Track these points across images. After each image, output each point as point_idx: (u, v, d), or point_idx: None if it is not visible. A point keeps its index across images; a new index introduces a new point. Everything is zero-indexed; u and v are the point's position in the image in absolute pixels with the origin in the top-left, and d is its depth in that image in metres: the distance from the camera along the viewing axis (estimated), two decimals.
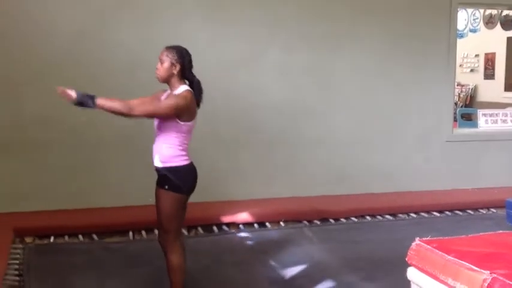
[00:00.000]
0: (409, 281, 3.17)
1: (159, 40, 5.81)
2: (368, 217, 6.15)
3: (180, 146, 3.67)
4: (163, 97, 3.76)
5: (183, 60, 3.68)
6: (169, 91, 3.75)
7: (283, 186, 6.42)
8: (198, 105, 3.77)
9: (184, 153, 3.69)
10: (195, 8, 6.08)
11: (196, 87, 3.74)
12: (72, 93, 3.49)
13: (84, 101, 3.49)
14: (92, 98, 3.51)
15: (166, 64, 3.65)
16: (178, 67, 3.66)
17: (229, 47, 6.21)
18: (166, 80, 3.70)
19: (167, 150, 3.66)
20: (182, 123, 3.63)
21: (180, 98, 3.61)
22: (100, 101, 3.51)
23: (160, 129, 3.69)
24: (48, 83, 5.68)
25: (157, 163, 3.71)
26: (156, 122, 3.71)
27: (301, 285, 4.36)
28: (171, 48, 3.71)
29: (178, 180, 3.66)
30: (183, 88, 3.68)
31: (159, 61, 3.68)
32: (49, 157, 5.74)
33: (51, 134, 5.73)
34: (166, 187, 3.66)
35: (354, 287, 4.31)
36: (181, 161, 3.68)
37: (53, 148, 5.74)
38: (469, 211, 6.45)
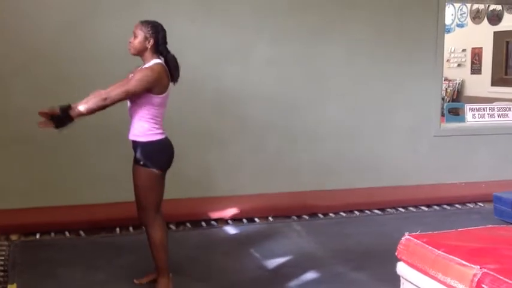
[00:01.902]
0: (398, 274, 3.16)
1: None
2: (357, 212, 6.15)
3: (153, 119, 3.66)
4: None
5: (157, 35, 3.69)
6: (140, 67, 3.74)
7: (273, 180, 6.39)
8: (174, 80, 3.76)
9: (157, 126, 3.68)
10: (183, 1, 6.02)
11: (171, 62, 3.73)
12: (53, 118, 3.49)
13: (62, 121, 3.53)
14: (67, 112, 3.49)
15: (140, 37, 3.67)
16: (151, 41, 3.67)
17: (218, 40, 6.15)
18: (139, 53, 3.71)
19: (141, 124, 3.66)
20: (153, 96, 3.61)
21: (147, 70, 3.61)
22: (76, 112, 3.51)
23: (132, 102, 3.68)
24: (34, 76, 5.64)
25: (132, 136, 3.72)
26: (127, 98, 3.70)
27: (289, 274, 4.36)
28: (145, 23, 3.72)
29: (153, 155, 3.67)
30: (154, 61, 3.67)
31: (132, 34, 3.69)
32: (34, 153, 5.66)
33: (36, 130, 5.63)
34: (141, 163, 3.67)
35: (344, 277, 4.32)
36: (155, 136, 3.68)
37: (39, 143, 5.66)
38: (457, 205, 6.47)
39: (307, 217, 5.95)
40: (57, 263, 4.55)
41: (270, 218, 5.85)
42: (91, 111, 3.55)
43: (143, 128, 3.66)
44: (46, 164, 5.71)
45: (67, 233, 5.29)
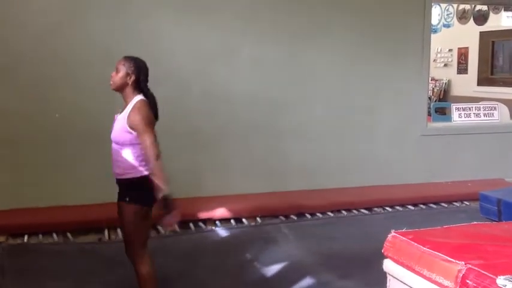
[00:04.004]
0: (385, 274, 3.18)
1: (133, 32, 5.84)
2: (344, 211, 6.18)
3: (138, 157, 3.57)
4: (120, 115, 3.64)
5: (139, 72, 3.62)
6: (123, 108, 3.66)
7: (260, 180, 6.41)
8: (155, 118, 3.69)
9: (143, 163, 3.58)
10: (170, 1, 6.02)
11: (151, 100, 3.66)
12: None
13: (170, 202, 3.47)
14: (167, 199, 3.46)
15: (122, 73, 3.60)
16: (133, 77, 3.60)
17: (204, 40, 6.17)
18: (120, 89, 3.63)
19: (127, 162, 3.58)
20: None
21: (141, 110, 3.54)
22: (162, 183, 3.45)
23: (117, 140, 3.61)
24: (18, 78, 5.61)
25: (116, 175, 3.65)
26: (112, 133, 3.63)
27: (277, 283, 4.36)
28: (129, 58, 3.65)
29: (138, 192, 3.58)
30: (137, 98, 3.60)
31: (115, 69, 3.63)
32: (20, 154, 5.64)
33: (22, 131, 5.64)
34: (127, 199, 3.59)
35: (331, 286, 4.32)
36: (140, 173, 3.58)
37: (25, 144, 5.64)
38: (443, 204, 6.52)
39: (294, 217, 5.96)
40: (47, 274, 4.48)
41: (258, 219, 5.86)
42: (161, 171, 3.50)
43: (131, 165, 3.58)
44: (33, 164, 5.69)
45: (55, 235, 5.27)
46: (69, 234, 5.30)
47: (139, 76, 3.63)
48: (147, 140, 3.49)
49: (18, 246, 5.08)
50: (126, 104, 3.63)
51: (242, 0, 6.30)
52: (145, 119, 3.53)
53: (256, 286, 4.40)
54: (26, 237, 5.20)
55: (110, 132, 3.67)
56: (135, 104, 3.58)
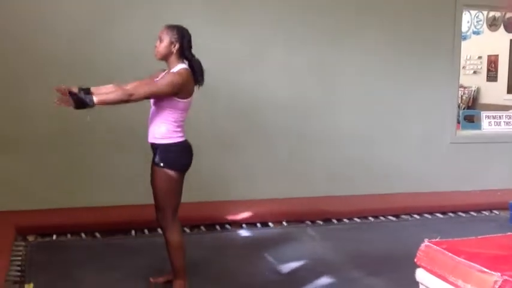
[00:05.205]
0: (415, 279, 3.15)
1: None
2: (371, 218, 6.13)
3: (175, 122, 3.68)
4: (160, 76, 3.76)
5: (183, 40, 3.70)
6: (166, 71, 3.75)
7: (286, 185, 6.39)
8: (198, 84, 3.77)
9: (179, 129, 3.71)
10: (198, 7, 6.04)
11: (196, 66, 3.74)
12: (71, 96, 3.48)
13: (84, 101, 3.49)
14: (89, 94, 3.50)
15: (166, 42, 3.68)
16: (177, 46, 3.68)
17: (233, 46, 6.18)
18: (165, 58, 3.72)
19: (162, 127, 3.68)
20: (179, 100, 3.64)
21: (176, 75, 3.63)
22: (99, 98, 3.52)
23: (156, 105, 3.69)
24: (50, 80, 5.67)
25: (152, 139, 3.73)
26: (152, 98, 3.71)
27: (302, 278, 4.34)
28: (171, 27, 3.73)
29: (173, 157, 3.68)
30: (180, 66, 3.69)
31: (158, 39, 3.70)
32: (50, 155, 5.69)
33: (52, 131, 5.70)
34: (162, 164, 3.67)
35: (359, 282, 4.30)
36: (176, 138, 3.69)
37: (54, 145, 5.70)
38: (472, 213, 6.44)
39: (321, 222, 5.94)
40: (73, 263, 4.59)
41: (284, 223, 5.85)
42: (112, 103, 3.58)
43: (165, 130, 3.68)
44: (63, 166, 5.75)
45: (83, 235, 5.33)
46: (97, 234, 5.35)
47: (183, 43, 3.70)
48: (147, 89, 3.57)
49: (46, 243, 5.15)
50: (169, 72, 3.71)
51: (270, 6, 6.28)
52: (171, 83, 3.58)
53: (281, 280, 4.39)
54: (54, 237, 5.26)
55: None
56: (177, 70, 3.65)
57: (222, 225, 5.67)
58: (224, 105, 6.17)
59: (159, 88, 3.59)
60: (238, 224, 5.71)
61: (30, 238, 5.18)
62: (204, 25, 6.02)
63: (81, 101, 3.49)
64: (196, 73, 3.73)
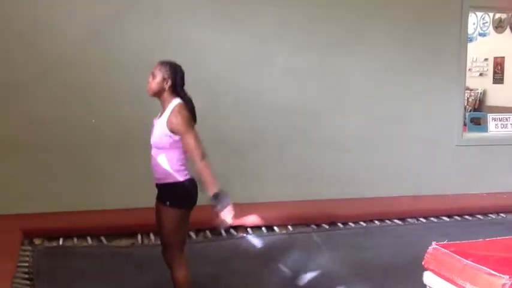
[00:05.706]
0: (424, 286, 3.13)
1: (167, 41, 5.87)
2: (377, 221, 6.11)
3: (179, 161, 3.60)
4: (162, 119, 3.65)
5: (176, 76, 3.63)
6: (161, 110, 3.68)
7: (292, 189, 6.38)
8: (194, 121, 3.70)
9: (183, 168, 3.62)
10: (203, 10, 6.05)
11: (188, 104, 3.67)
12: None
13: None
14: (219, 193, 3.51)
15: (158, 78, 3.61)
16: (169, 82, 3.61)
17: (238, 49, 6.18)
18: (157, 94, 3.64)
19: (166, 166, 3.60)
20: (178, 137, 3.56)
21: (181, 112, 3.56)
22: (213, 183, 3.51)
23: (157, 145, 3.63)
24: (54, 85, 5.70)
25: (157, 180, 3.67)
26: (152, 138, 3.65)
27: None
28: (164, 63, 3.66)
29: (179, 196, 3.61)
30: (175, 102, 3.62)
31: (151, 75, 3.64)
32: (56, 159, 5.71)
33: (57, 136, 5.71)
34: (168, 203, 3.61)
35: None
36: (181, 176, 3.61)
37: (60, 149, 5.71)
38: (479, 216, 6.41)
39: (326, 226, 5.91)
40: (81, 276, 4.55)
41: (289, 227, 5.82)
42: (209, 168, 3.55)
43: (171, 169, 3.60)
44: (69, 169, 5.76)
45: (89, 238, 5.33)
46: (103, 238, 5.34)
47: (176, 80, 3.64)
48: (191, 140, 3.52)
49: (53, 248, 5.14)
50: (164, 109, 3.64)
51: (275, 9, 6.28)
52: (186, 120, 3.55)
53: None
54: (61, 240, 5.27)
55: (149, 137, 3.69)
56: (174, 108, 3.59)
57: (227, 229, 5.63)
58: (231, 108, 6.17)
59: (191, 131, 3.56)
60: (243, 228, 5.69)
61: (37, 241, 5.19)
62: (208, 29, 6.04)
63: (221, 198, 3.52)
64: (189, 111, 3.65)
